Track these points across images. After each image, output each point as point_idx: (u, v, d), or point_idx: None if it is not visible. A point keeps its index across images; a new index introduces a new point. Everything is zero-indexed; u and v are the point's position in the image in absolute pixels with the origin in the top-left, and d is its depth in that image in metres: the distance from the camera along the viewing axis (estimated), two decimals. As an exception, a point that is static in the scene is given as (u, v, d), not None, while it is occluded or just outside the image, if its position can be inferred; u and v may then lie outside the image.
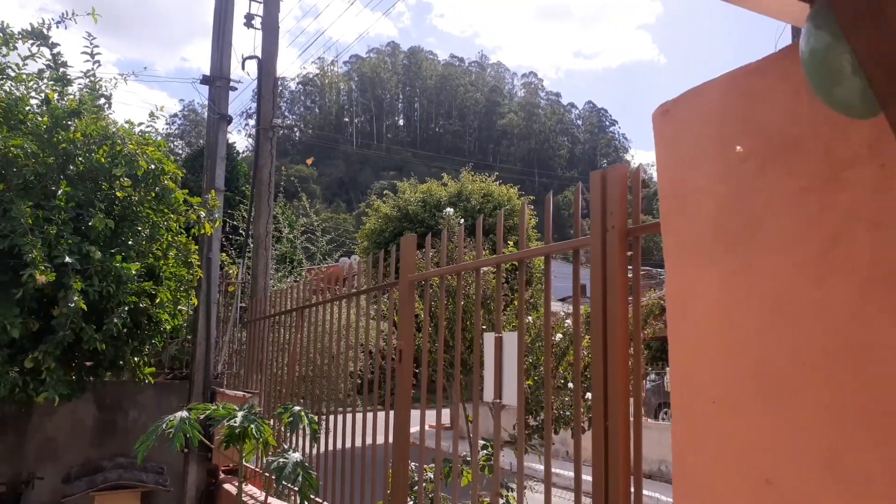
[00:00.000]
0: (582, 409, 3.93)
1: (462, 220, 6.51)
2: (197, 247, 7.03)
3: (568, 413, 5.51)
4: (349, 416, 4.58)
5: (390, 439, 3.74)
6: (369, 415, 4.22)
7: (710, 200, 1.82)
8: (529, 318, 5.22)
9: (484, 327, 5.02)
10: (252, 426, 3.72)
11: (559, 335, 6.01)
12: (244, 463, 4.81)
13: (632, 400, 2.26)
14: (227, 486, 6.96)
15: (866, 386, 1.43)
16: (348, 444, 4.48)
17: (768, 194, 1.68)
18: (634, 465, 2.20)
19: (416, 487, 3.75)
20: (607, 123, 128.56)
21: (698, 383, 1.82)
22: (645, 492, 7.71)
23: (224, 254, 9.62)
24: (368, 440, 4.19)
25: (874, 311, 1.44)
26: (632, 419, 2.23)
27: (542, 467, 2.62)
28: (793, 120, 1.64)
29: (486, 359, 2.96)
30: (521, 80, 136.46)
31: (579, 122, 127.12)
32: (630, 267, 2.32)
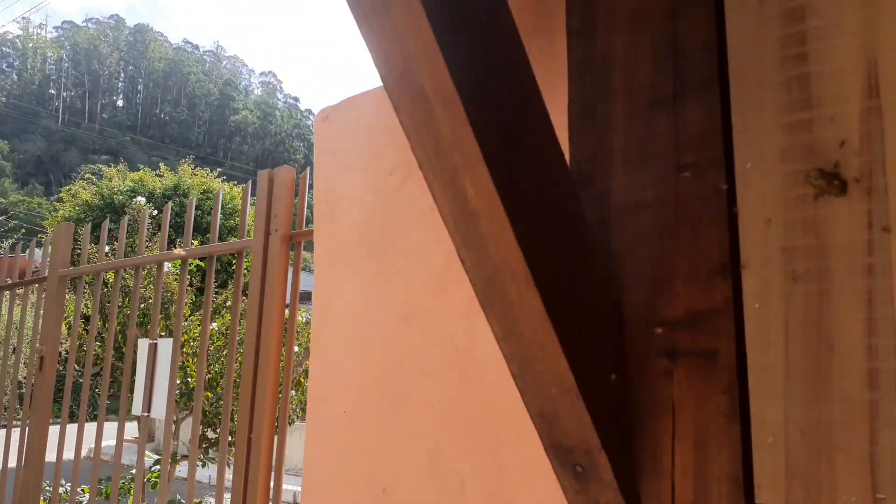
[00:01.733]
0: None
1: (154, 212, 5.92)
2: None
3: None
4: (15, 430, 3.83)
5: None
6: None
7: (358, 209, 1.82)
8: (214, 324, 4.95)
9: (163, 334, 4.60)
10: None
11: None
12: None
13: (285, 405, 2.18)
14: None
15: (468, 395, 1.51)
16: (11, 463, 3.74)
17: (406, 208, 1.72)
18: (276, 467, 2.12)
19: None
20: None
21: (332, 393, 1.80)
22: (292, 487, 7.86)
23: None
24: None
25: (478, 323, 1.53)
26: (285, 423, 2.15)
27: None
28: (427, 138, 1.70)
29: (139, 367, 2.66)
30: (259, 77, 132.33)
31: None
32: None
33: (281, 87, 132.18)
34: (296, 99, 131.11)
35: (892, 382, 0.70)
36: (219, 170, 20.47)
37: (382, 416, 1.69)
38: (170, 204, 3.48)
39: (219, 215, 2.56)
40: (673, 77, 0.85)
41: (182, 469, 5.87)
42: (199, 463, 4.49)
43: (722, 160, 0.81)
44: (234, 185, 20.18)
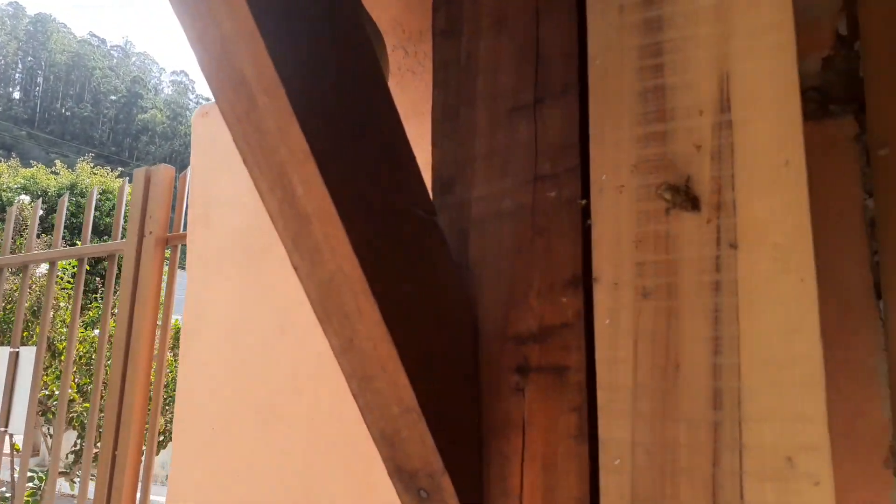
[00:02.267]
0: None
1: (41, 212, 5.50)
2: None
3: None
4: None
5: None
6: None
7: (235, 213, 1.71)
8: (97, 331, 4.63)
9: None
10: None
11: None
12: None
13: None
14: None
15: (341, 412, 1.43)
16: None
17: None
18: (143, 488, 1.97)
19: None
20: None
21: (201, 408, 1.68)
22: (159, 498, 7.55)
23: None
24: None
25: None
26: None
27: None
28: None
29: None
30: (170, 76, 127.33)
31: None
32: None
33: (193, 87, 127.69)
34: (208, 100, 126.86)
35: (735, 403, 0.68)
36: (121, 169, 19.47)
37: (252, 432, 1.59)
38: (65, 199, 3.21)
39: (92, 214, 2.37)
40: (534, 83, 0.82)
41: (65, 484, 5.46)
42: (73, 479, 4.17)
43: (578, 171, 0.78)
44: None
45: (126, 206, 2.24)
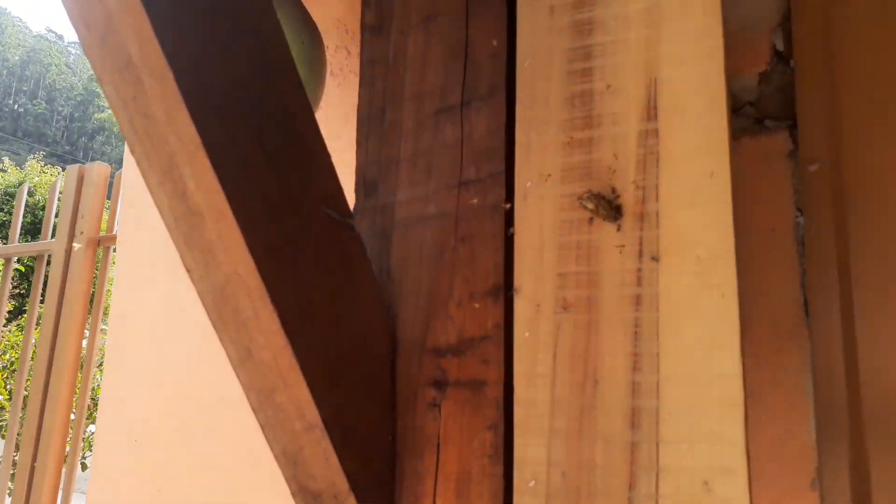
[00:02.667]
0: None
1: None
2: None
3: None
4: None
5: None
6: None
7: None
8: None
9: None
10: None
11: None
12: None
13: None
14: None
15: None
16: None
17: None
18: (65, 491, 1.86)
19: None
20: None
21: (124, 418, 1.59)
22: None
23: None
24: None
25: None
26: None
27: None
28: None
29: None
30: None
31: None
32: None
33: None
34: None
35: (653, 423, 0.65)
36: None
37: (177, 445, 1.51)
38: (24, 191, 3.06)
39: (22, 212, 2.26)
40: (462, 84, 0.79)
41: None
42: None
43: (503, 177, 0.75)
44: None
45: (53, 205, 2.14)
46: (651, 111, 0.70)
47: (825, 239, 0.83)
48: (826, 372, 0.82)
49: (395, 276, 0.79)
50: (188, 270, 0.62)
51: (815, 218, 0.84)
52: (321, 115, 1.44)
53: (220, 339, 0.65)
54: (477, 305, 0.74)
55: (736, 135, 1.05)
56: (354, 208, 0.83)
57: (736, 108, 1.06)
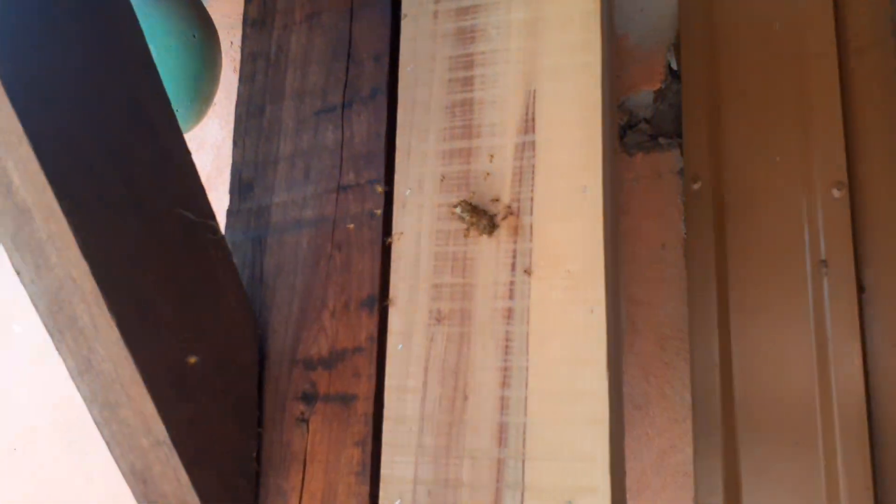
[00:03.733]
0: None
1: None
2: None
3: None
4: None
5: None
6: None
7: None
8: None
9: None
10: None
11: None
12: None
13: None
14: None
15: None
16: None
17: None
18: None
19: None
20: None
21: (2, 425, 1.48)
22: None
23: None
24: None
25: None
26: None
27: None
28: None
29: None
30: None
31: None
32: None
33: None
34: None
35: (520, 439, 0.64)
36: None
37: (59, 455, 1.42)
38: None
39: None
40: (345, 84, 0.76)
41: None
42: None
43: (383, 183, 0.72)
44: None
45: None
46: (529, 123, 0.69)
47: (705, 256, 0.84)
48: (704, 387, 0.84)
49: (268, 282, 0.75)
50: (17, 272, 0.57)
51: (696, 235, 0.85)
52: (223, 112, 1.38)
53: (57, 349, 0.60)
54: (352, 316, 0.71)
55: (630, 151, 1.06)
56: (228, 210, 0.79)
57: (632, 124, 1.07)
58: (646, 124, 1.06)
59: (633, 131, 1.07)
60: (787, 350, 0.79)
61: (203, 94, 1.09)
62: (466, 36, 0.73)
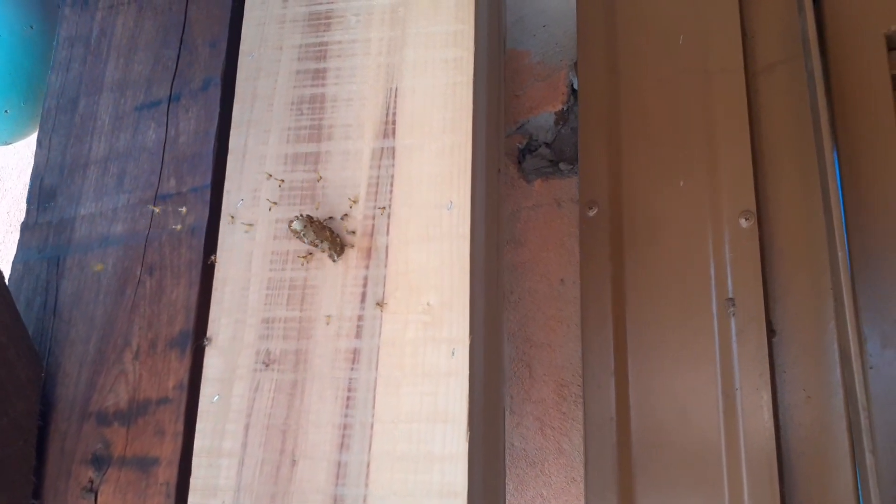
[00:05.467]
0: None
1: None
2: None
3: None
4: None
5: None
6: None
7: None
8: None
9: None
10: None
11: None
12: None
13: None
14: None
15: None
16: None
17: None
18: None
19: None
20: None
21: None
22: None
23: None
24: None
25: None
26: None
27: None
28: None
29: None
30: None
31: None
32: None
33: None
34: None
35: (359, 516, 0.50)
36: None
37: None
38: None
39: None
40: (174, 75, 0.63)
41: None
42: None
43: (209, 192, 0.59)
44: None
45: None
46: (389, 126, 0.57)
47: (601, 292, 0.74)
48: (597, 442, 0.72)
49: (63, 313, 0.60)
50: None
51: (591, 268, 0.75)
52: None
53: None
54: (158, 358, 0.56)
55: (529, 177, 0.96)
56: (23, 224, 0.64)
57: (532, 148, 0.98)
58: (546, 149, 0.97)
59: (532, 156, 0.97)
60: (690, 400, 0.69)
61: (39, 95, 0.93)
62: (321, 22, 0.61)
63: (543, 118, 0.98)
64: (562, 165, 0.95)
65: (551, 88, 0.98)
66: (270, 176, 0.58)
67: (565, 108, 0.96)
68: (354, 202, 0.56)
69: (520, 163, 0.97)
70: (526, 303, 0.93)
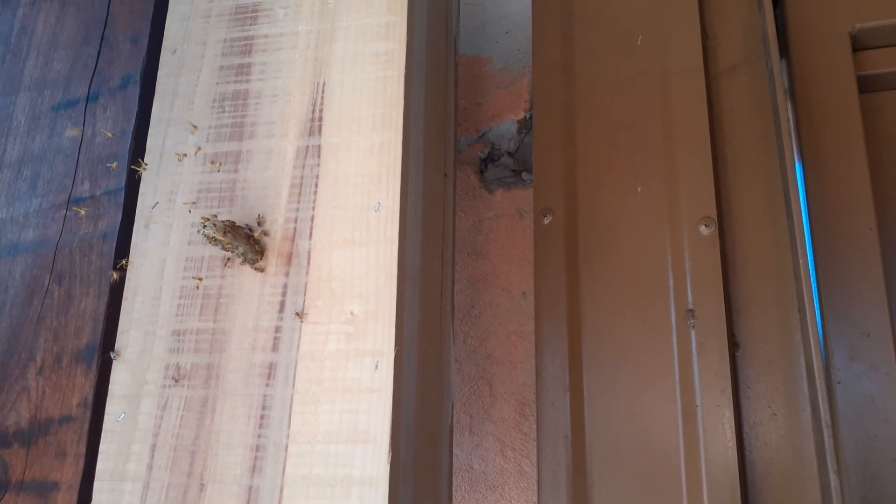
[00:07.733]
0: None
1: None
2: None
3: None
4: None
5: None
6: None
7: None
8: None
9: None
10: None
11: None
12: None
13: None
14: None
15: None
16: None
17: None
18: None
19: None
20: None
21: None
22: None
23: None
24: None
25: None
26: None
27: None
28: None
29: None
30: None
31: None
32: None
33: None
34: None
35: (271, 547, 0.46)
36: None
37: None
38: None
39: None
40: (93, 73, 0.59)
41: None
42: None
43: (123, 196, 0.55)
44: None
45: None
46: (315, 123, 0.54)
47: (555, 303, 0.70)
48: (551, 463, 0.67)
49: (-33, 327, 0.55)
50: None
51: (546, 279, 0.71)
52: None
53: None
54: (63, 373, 0.52)
55: (490, 187, 0.93)
56: (-70, 230, 0.60)
57: (494, 157, 0.94)
58: (509, 158, 0.93)
59: (494, 165, 0.93)
60: (648, 418, 0.65)
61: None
62: (247, 15, 0.58)
63: (506, 126, 0.94)
64: (524, 175, 0.91)
65: (514, 96, 0.95)
66: (188, 177, 0.54)
67: (528, 117, 0.93)
68: (276, 204, 0.52)
69: (482, 172, 0.94)
70: (486, 317, 0.89)
